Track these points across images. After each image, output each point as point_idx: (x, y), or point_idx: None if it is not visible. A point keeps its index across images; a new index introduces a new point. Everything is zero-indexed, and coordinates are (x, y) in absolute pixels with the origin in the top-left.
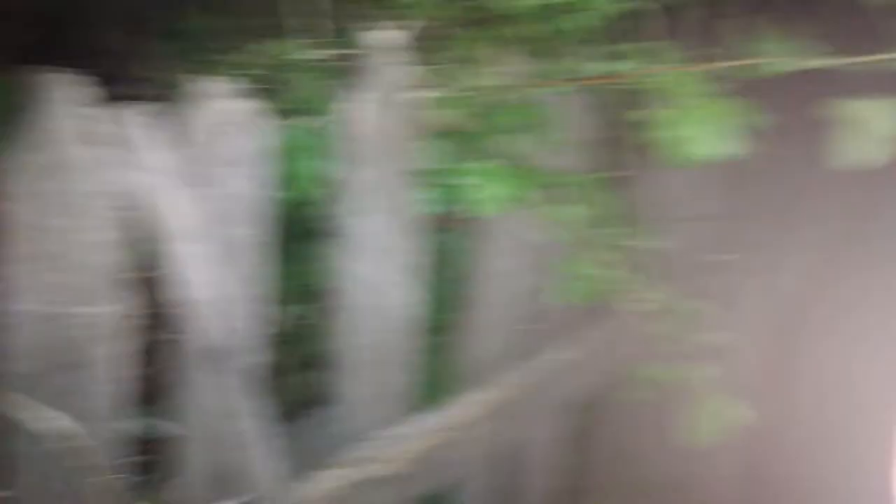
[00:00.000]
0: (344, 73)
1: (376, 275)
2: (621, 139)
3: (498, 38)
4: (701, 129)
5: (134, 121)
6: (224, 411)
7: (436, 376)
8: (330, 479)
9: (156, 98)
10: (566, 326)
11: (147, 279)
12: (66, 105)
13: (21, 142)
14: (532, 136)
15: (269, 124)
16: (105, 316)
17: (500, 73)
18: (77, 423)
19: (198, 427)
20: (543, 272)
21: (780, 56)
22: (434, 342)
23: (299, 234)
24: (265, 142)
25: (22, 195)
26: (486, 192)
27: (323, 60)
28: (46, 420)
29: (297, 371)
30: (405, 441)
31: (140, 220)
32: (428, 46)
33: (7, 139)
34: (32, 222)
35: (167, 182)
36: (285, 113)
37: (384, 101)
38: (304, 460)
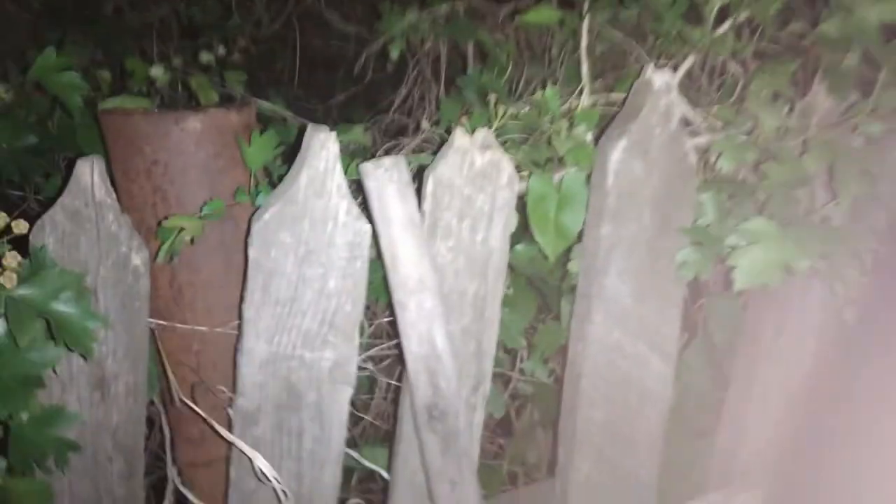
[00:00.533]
0: (608, 119)
1: (620, 342)
2: None
3: (791, 71)
4: None
5: (383, 172)
6: (431, 468)
7: (684, 467)
8: None
9: (419, 149)
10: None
11: (376, 328)
12: (320, 157)
13: (275, 192)
14: (833, 188)
15: (522, 176)
16: (329, 361)
17: (792, 112)
18: (289, 462)
19: (404, 479)
20: (831, 358)
21: None
22: (686, 426)
23: (540, 291)
24: (514, 194)
25: (265, 242)
26: (750, 257)
27: (587, 108)
28: (255, 458)
29: (523, 435)
30: None
31: (375, 270)
32: (703, 86)
33: (265, 187)
34: (271, 268)
35: (407, 234)
36: (542, 163)
37: (645, 149)
38: None
